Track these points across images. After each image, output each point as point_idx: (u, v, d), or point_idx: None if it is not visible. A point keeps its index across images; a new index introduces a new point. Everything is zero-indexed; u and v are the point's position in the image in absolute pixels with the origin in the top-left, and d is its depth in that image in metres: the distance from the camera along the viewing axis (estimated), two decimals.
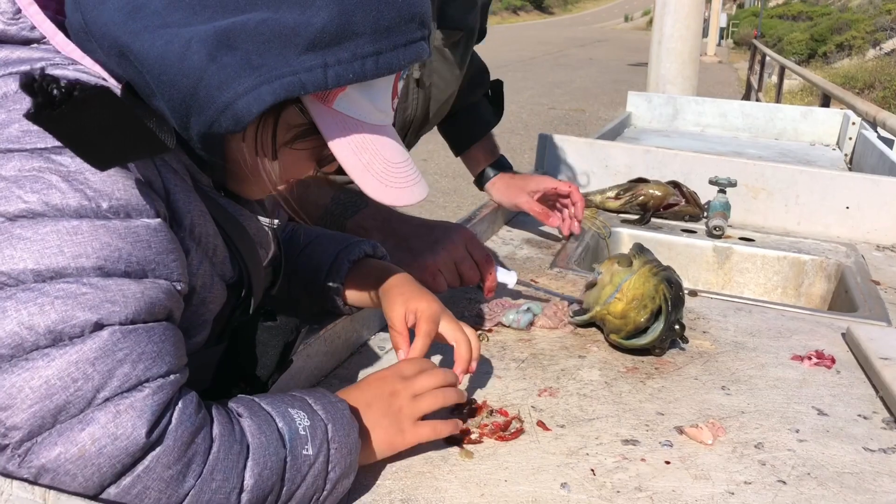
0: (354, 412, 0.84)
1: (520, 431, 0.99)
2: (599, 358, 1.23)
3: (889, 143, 3.00)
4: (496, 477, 0.90)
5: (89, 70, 0.71)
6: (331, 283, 1.09)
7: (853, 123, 3.31)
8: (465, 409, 1.03)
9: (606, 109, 11.04)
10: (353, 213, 1.35)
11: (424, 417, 0.91)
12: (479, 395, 1.07)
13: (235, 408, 0.75)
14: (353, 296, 1.12)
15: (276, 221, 0.91)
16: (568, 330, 1.33)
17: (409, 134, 1.57)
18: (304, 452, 0.75)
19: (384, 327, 1.26)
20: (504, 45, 23.93)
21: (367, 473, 0.88)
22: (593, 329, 1.33)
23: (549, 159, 2.32)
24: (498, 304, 1.39)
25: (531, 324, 1.32)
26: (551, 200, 1.76)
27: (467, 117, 1.77)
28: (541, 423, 1.01)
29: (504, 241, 1.84)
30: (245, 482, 0.70)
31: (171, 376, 0.68)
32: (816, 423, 1.07)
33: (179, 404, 0.68)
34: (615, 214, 2.07)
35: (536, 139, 2.38)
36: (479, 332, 1.29)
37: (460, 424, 0.95)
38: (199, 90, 0.68)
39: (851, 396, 1.16)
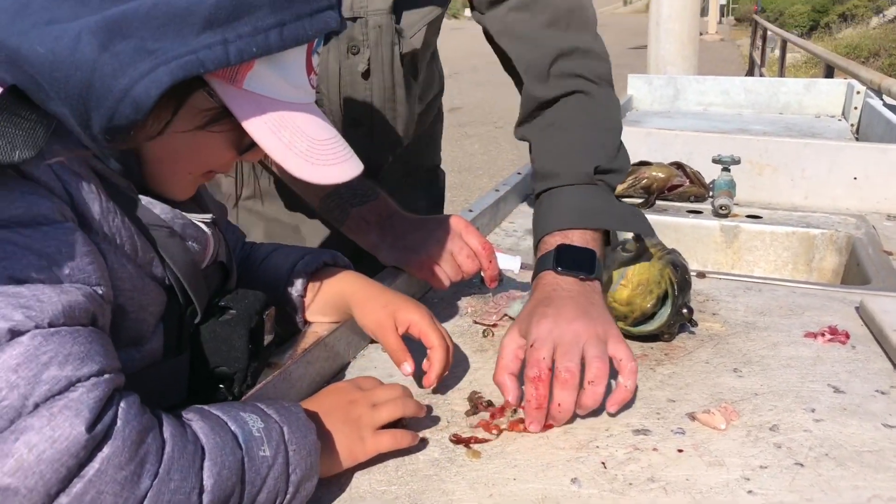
0: (312, 416, 0.82)
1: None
2: None
3: (895, 109, 2.95)
4: (505, 476, 0.87)
5: None
6: (290, 295, 1.07)
7: (858, 93, 3.26)
8: (488, 411, 1.01)
9: None
10: (360, 202, 1.30)
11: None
12: (486, 392, 1.05)
13: (184, 414, 0.73)
14: (314, 308, 1.09)
15: (210, 216, 0.88)
16: None
17: (374, 136, 1.43)
18: (262, 454, 0.73)
19: None
20: None
21: (373, 478, 0.86)
22: None
23: None
24: (503, 296, 1.36)
25: None
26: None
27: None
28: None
29: (507, 232, 1.81)
30: (204, 482, 0.68)
31: (105, 375, 0.65)
32: (833, 402, 1.04)
33: (122, 403, 0.65)
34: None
35: None
36: (484, 328, 1.26)
37: (418, 437, 0.92)
38: (95, 81, 0.67)
39: (868, 371, 1.13)
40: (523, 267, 1.29)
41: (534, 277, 1.17)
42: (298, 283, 1.08)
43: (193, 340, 0.84)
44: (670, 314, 1.18)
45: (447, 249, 1.24)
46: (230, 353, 0.83)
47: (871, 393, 1.06)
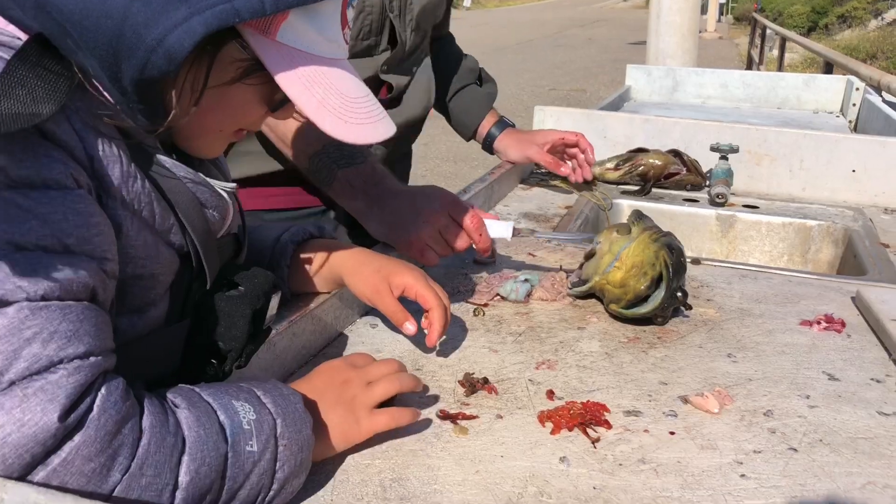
0: (308, 404, 0.78)
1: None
2: (599, 329, 1.19)
3: (895, 106, 2.93)
4: (492, 453, 0.85)
5: (2, 30, 0.66)
6: (275, 266, 1.04)
7: (857, 89, 3.24)
8: (485, 388, 0.98)
9: (607, 89, 10.92)
10: (347, 164, 1.27)
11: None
12: (478, 370, 1.03)
13: (172, 398, 0.69)
14: (301, 279, 1.07)
15: (233, 185, 0.85)
16: (567, 302, 1.28)
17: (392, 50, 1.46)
18: (248, 449, 0.68)
19: None
20: (502, 27, 23.78)
21: (356, 452, 0.84)
22: (593, 300, 1.28)
23: None
24: (495, 276, 1.34)
25: (529, 294, 1.28)
26: (560, 152, 1.89)
27: (466, 100, 1.88)
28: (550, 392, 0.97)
29: (501, 216, 1.79)
30: (180, 478, 0.64)
31: (91, 358, 0.61)
32: (827, 389, 1.02)
33: (102, 390, 0.61)
34: (615, 186, 2.02)
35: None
36: (475, 307, 1.24)
37: (419, 413, 0.88)
38: (126, 30, 0.63)
39: (863, 360, 1.11)
40: (516, 233, 1.26)
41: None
42: (285, 254, 1.05)
43: (195, 311, 0.80)
44: (664, 297, 1.16)
45: (435, 227, 1.21)
46: (230, 330, 0.79)
47: (867, 381, 1.05)
